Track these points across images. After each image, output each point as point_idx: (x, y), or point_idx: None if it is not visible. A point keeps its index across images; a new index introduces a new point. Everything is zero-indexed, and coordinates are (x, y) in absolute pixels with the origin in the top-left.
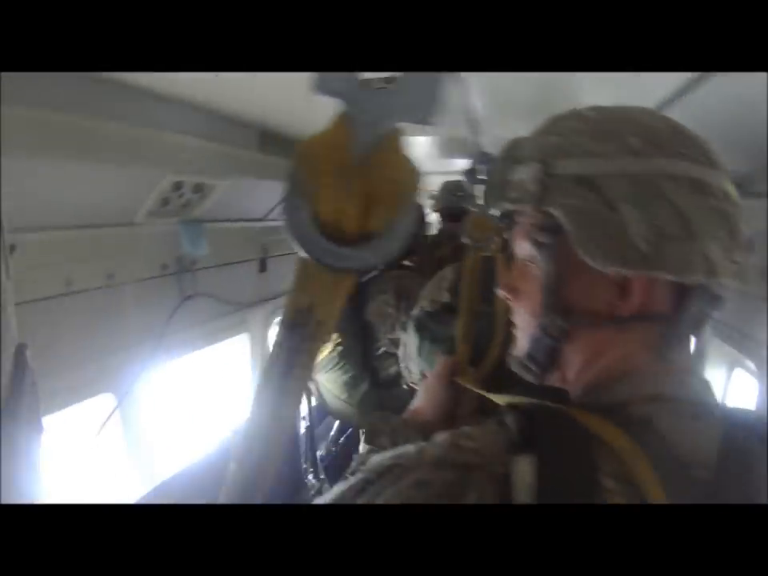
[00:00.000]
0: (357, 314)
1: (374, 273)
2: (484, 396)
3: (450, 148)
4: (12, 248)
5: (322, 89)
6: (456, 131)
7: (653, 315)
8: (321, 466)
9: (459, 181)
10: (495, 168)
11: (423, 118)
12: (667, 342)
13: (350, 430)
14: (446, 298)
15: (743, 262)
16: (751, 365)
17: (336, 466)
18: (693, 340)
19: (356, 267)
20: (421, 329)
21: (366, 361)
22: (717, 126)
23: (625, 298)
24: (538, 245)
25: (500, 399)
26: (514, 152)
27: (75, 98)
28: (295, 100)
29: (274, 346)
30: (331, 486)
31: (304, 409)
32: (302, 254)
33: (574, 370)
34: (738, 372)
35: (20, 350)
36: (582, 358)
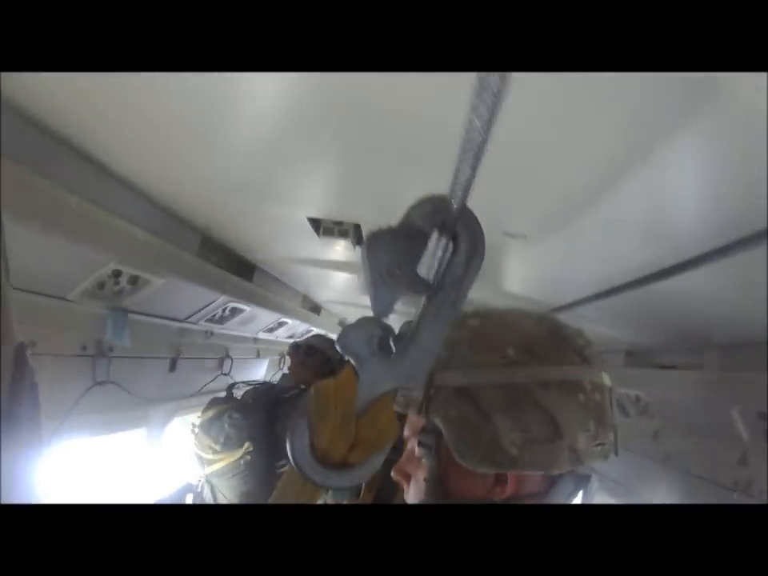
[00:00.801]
0: (271, 427)
1: (296, 391)
2: None
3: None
4: None
5: (343, 348)
6: None
7: (525, 496)
8: None
9: None
10: None
11: (414, 387)
12: None
13: None
14: None
15: (610, 441)
16: None
17: None
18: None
19: (333, 487)
20: None
21: (268, 476)
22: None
23: (500, 486)
24: (422, 445)
25: None
26: None
27: (40, 162)
28: (236, 214)
29: None
30: None
31: None
32: (295, 468)
33: None
34: None
35: (20, 350)
36: None
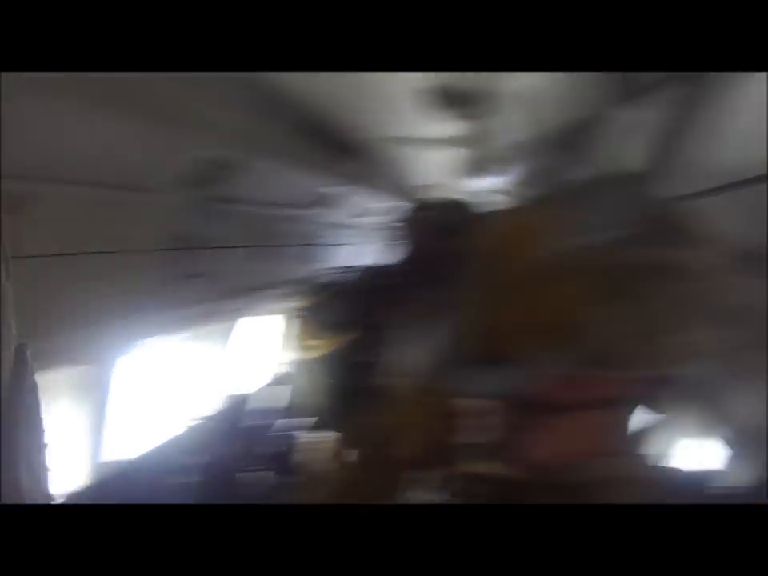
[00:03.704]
0: (372, 315)
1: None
2: None
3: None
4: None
5: None
6: None
7: None
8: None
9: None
10: None
11: None
12: None
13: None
14: None
15: None
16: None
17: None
18: None
19: None
20: None
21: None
22: None
23: None
24: None
25: None
26: None
27: None
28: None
29: None
30: None
31: None
32: None
33: None
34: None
35: (20, 350)
36: None
